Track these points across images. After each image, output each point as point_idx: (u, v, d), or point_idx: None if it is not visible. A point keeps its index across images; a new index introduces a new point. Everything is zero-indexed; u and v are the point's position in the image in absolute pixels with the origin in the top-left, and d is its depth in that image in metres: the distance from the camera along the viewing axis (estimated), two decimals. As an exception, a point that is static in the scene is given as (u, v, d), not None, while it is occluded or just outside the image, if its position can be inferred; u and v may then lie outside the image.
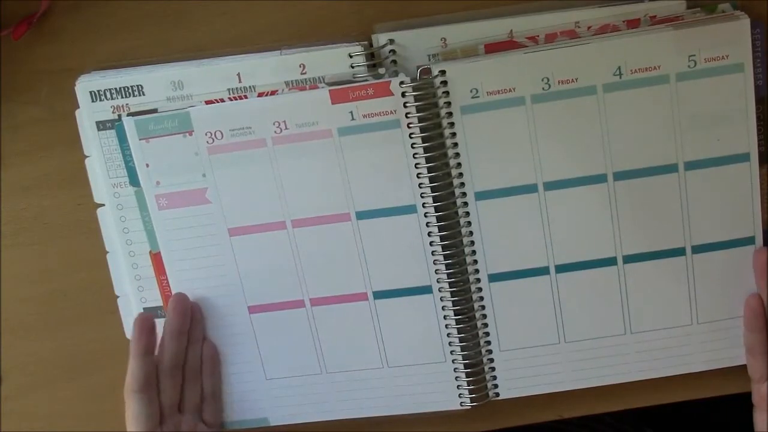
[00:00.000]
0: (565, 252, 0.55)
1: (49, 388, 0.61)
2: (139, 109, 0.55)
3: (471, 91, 0.53)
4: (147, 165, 0.55)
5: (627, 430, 0.72)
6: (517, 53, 0.53)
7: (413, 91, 0.52)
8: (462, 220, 0.55)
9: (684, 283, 0.55)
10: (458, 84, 0.53)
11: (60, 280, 0.59)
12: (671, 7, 0.53)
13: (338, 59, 0.54)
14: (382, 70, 0.53)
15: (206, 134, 0.54)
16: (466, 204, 0.55)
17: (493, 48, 0.53)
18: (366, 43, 0.54)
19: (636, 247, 0.55)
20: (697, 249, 0.55)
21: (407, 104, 0.53)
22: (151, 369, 0.54)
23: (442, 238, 0.55)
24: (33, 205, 0.58)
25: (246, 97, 0.54)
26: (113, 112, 0.56)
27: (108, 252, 0.58)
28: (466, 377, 0.57)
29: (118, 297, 0.59)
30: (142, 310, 0.59)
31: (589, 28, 0.53)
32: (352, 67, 0.54)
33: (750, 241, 0.55)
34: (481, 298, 0.56)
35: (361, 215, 0.55)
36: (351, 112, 0.53)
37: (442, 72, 0.53)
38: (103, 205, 0.58)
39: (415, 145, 0.54)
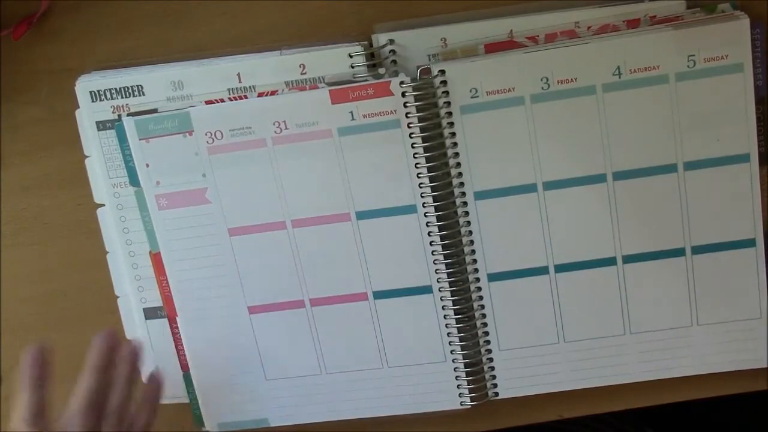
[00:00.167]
0: (565, 252, 0.55)
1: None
2: (139, 109, 0.55)
3: (471, 91, 0.53)
4: (147, 165, 0.55)
5: (627, 429, 0.72)
6: (517, 53, 0.53)
7: (413, 91, 0.53)
8: (462, 220, 0.55)
9: (684, 283, 0.55)
10: (458, 84, 0.53)
11: (60, 280, 0.59)
12: (671, 7, 0.53)
13: (338, 59, 0.54)
14: (382, 70, 0.54)
15: (206, 134, 0.54)
16: (465, 204, 0.55)
17: (493, 48, 0.53)
18: (366, 43, 0.54)
19: (635, 247, 0.55)
20: (697, 249, 0.55)
21: (407, 104, 0.53)
22: (42, 402, 0.51)
23: (442, 238, 0.55)
24: (33, 205, 0.58)
25: (246, 97, 0.54)
26: (113, 112, 0.56)
27: (108, 252, 0.58)
28: (466, 377, 0.57)
29: (118, 297, 0.59)
30: (142, 310, 0.59)
31: (589, 28, 0.53)
32: (352, 67, 0.54)
33: (750, 242, 0.54)
34: (481, 298, 0.56)
35: (361, 215, 0.55)
36: (351, 112, 0.53)
37: (442, 72, 0.53)
38: (103, 205, 0.58)
39: (415, 145, 0.54)
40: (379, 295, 0.56)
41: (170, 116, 0.54)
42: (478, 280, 0.56)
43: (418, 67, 0.53)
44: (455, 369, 0.57)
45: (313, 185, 0.55)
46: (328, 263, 0.56)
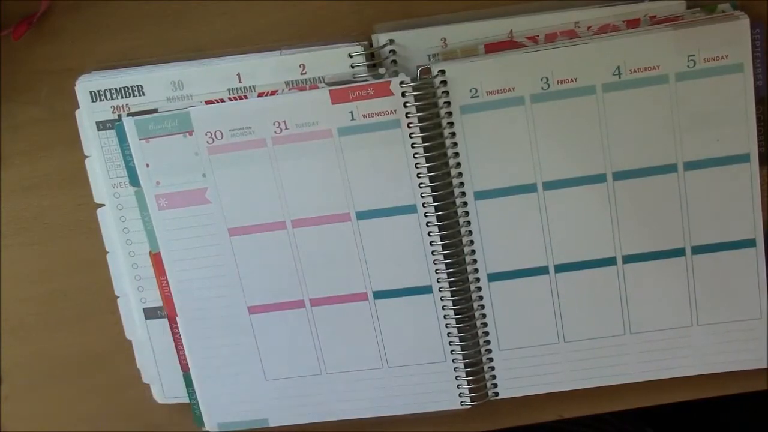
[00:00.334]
0: (565, 252, 0.55)
1: (49, 388, 0.61)
2: (139, 109, 0.55)
3: (470, 91, 0.53)
4: (147, 165, 0.55)
5: (628, 429, 0.72)
6: (517, 53, 0.53)
7: (413, 91, 0.53)
8: (462, 220, 0.55)
9: (684, 283, 0.55)
10: (458, 84, 0.53)
11: (60, 280, 0.59)
12: (671, 7, 0.53)
13: (338, 59, 0.54)
14: (382, 70, 0.54)
15: (206, 134, 0.54)
16: (465, 204, 0.55)
17: (493, 48, 0.53)
18: (366, 43, 0.54)
19: (635, 247, 0.55)
20: (697, 250, 0.55)
21: (407, 104, 0.53)
22: None
23: (442, 238, 0.55)
24: (33, 205, 0.58)
25: (246, 97, 0.54)
26: (113, 112, 0.56)
27: (108, 252, 0.58)
28: (466, 377, 0.57)
29: (118, 297, 0.59)
30: (142, 310, 0.59)
31: (589, 28, 0.53)
32: (352, 67, 0.54)
33: (750, 242, 0.54)
34: (481, 298, 0.56)
35: (361, 215, 0.55)
36: (351, 112, 0.53)
37: (442, 72, 0.53)
38: (103, 205, 0.58)
39: (415, 145, 0.54)
40: (379, 295, 0.56)
41: (170, 116, 0.54)
42: (478, 280, 0.56)
43: (418, 67, 0.53)
44: (455, 369, 0.57)
45: (313, 185, 0.55)
46: (328, 263, 0.56)
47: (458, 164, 0.54)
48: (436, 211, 0.54)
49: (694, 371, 0.57)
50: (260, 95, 0.54)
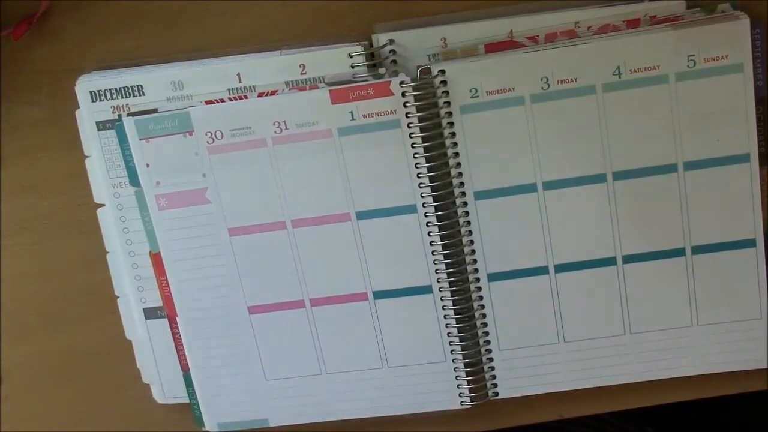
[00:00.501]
0: (565, 252, 0.55)
1: (49, 388, 0.61)
2: (139, 109, 0.55)
3: (470, 91, 0.53)
4: (147, 165, 0.55)
5: (628, 429, 0.72)
6: (517, 53, 0.53)
7: (413, 91, 0.53)
8: (462, 220, 0.55)
9: (684, 283, 0.55)
10: (458, 84, 0.53)
11: (60, 280, 0.59)
12: (671, 7, 0.53)
13: (338, 59, 0.54)
14: (382, 70, 0.54)
15: (206, 134, 0.54)
16: (465, 204, 0.55)
17: (493, 48, 0.53)
18: (366, 43, 0.54)
19: (635, 247, 0.55)
20: (697, 250, 0.55)
21: (407, 104, 0.53)
22: None
23: (442, 238, 0.55)
24: (33, 205, 0.58)
25: (246, 97, 0.54)
26: (113, 112, 0.56)
27: (108, 252, 0.58)
28: (466, 377, 0.57)
29: (118, 297, 0.59)
30: (142, 310, 0.59)
31: (589, 28, 0.53)
32: (352, 67, 0.54)
33: (750, 242, 0.55)
34: (481, 298, 0.56)
35: (361, 215, 0.55)
36: (351, 112, 0.53)
37: (442, 72, 0.53)
38: (103, 205, 0.58)
39: (415, 145, 0.54)
40: (379, 295, 0.56)
41: (170, 116, 0.54)
42: (478, 280, 0.56)
43: (418, 67, 0.53)
44: (455, 369, 0.57)
45: (313, 185, 0.55)
46: (328, 263, 0.56)
47: (458, 164, 0.54)
48: (436, 211, 0.54)
49: (694, 371, 0.57)
50: (260, 95, 0.54)
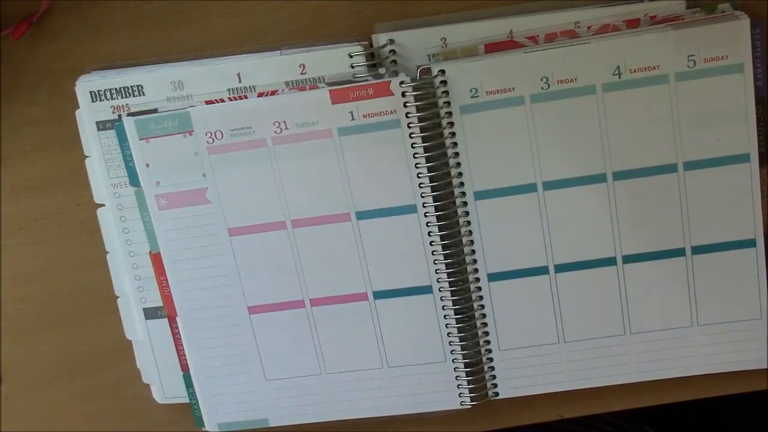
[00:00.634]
0: (565, 252, 0.55)
1: (49, 388, 0.61)
2: (139, 109, 0.55)
3: (470, 91, 0.53)
4: (147, 165, 0.55)
5: (628, 429, 0.72)
6: (517, 53, 0.53)
7: (413, 91, 0.53)
8: (462, 220, 0.55)
9: (684, 283, 0.55)
10: (458, 84, 0.53)
11: (60, 280, 0.59)
12: (671, 7, 0.53)
13: (338, 59, 0.54)
14: (382, 70, 0.54)
15: (206, 134, 0.54)
16: (465, 204, 0.55)
17: (493, 48, 0.53)
18: (366, 43, 0.54)
19: (635, 247, 0.55)
20: (697, 250, 0.55)
21: (407, 104, 0.53)
22: None
23: (442, 238, 0.55)
24: (33, 205, 0.58)
25: (246, 97, 0.54)
26: (113, 112, 0.56)
27: (108, 252, 0.58)
28: (466, 377, 0.57)
29: (118, 297, 0.59)
30: (142, 310, 0.59)
31: (589, 28, 0.53)
32: (352, 67, 0.54)
33: (750, 242, 0.54)
34: (481, 298, 0.56)
35: (361, 215, 0.55)
36: (351, 112, 0.53)
37: (442, 72, 0.53)
38: (103, 205, 0.58)
39: (415, 145, 0.54)
40: (379, 295, 0.56)
41: (170, 116, 0.54)
42: (478, 280, 0.56)
43: (418, 67, 0.53)
44: (455, 369, 0.57)
45: (313, 185, 0.55)
46: (328, 263, 0.56)
47: (458, 164, 0.54)
48: (436, 211, 0.54)
49: (694, 371, 0.57)
50: (260, 95, 0.54)
